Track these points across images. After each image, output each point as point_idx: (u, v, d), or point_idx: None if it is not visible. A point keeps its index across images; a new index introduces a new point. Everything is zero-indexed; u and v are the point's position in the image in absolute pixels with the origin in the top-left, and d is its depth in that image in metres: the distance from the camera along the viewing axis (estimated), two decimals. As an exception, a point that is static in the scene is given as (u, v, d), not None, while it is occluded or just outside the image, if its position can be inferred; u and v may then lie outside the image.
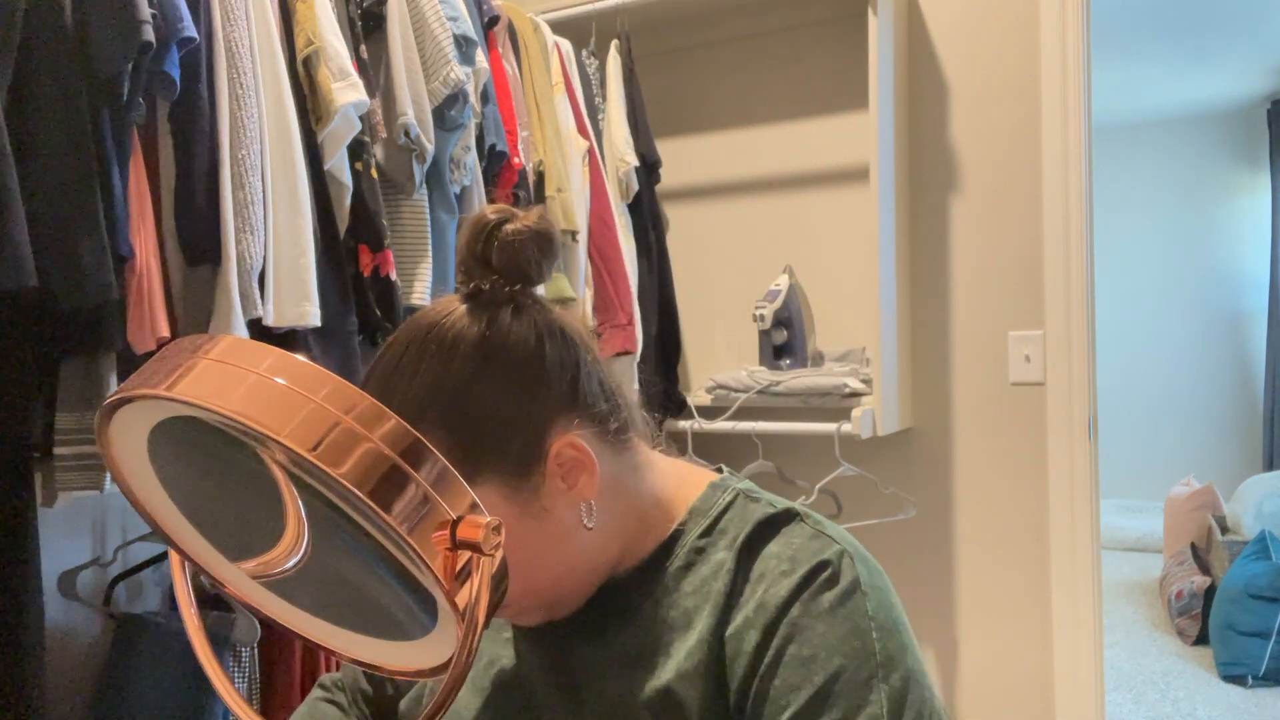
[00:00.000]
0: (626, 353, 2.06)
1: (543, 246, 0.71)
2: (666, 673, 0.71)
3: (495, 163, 1.83)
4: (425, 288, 1.64)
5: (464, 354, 0.68)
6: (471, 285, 0.71)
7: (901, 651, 0.68)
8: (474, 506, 0.52)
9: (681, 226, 2.49)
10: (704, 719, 0.69)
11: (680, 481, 0.79)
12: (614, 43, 2.27)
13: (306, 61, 1.48)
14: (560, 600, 0.73)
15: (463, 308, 0.70)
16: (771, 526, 0.74)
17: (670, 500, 0.77)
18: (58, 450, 1.24)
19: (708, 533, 0.75)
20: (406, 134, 1.60)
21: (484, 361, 0.68)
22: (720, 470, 0.82)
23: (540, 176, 1.95)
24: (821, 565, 0.70)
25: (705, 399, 2.27)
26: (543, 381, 0.69)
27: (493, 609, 0.53)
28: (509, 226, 0.70)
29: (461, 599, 0.51)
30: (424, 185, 1.66)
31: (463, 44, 1.69)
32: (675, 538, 0.76)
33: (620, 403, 0.75)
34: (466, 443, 0.66)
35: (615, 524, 0.74)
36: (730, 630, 0.70)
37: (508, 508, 0.68)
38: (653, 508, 0.76)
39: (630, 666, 0.73)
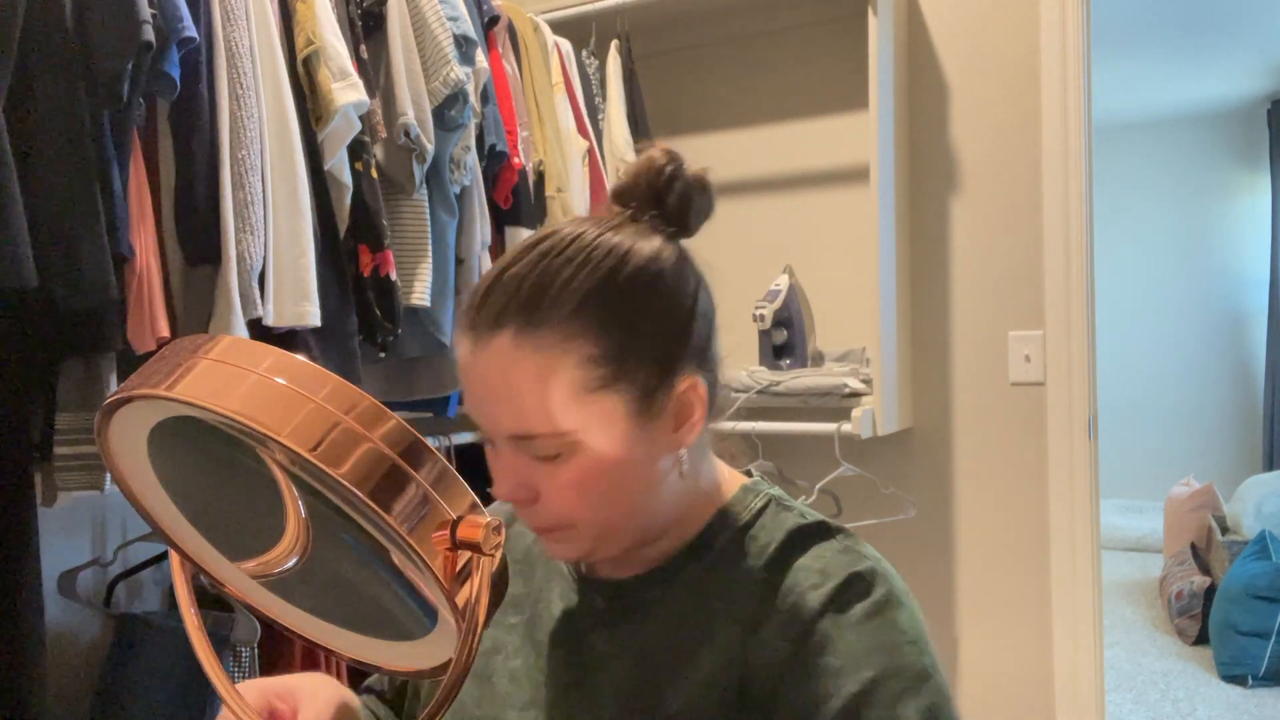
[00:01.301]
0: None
1: (706, 202, 0.74)
2: (687, 677, 0.71)
3: (495, 163, 1.83)
4: (425, 288, 1.64)
5: (635, 266, 0.69)
6: (631, 212, 0.73)
7: (933, 669, 0.69)
8: (474, 506, 0.52)
9: (681, 226, 2.49)
10: None
11: (719, 479, 0.80)
12: (614, 43, 2.27)
13: (306, 61, 1.48)
14: (610, 538, 0.72)
15: (633, 226, 0.72)
16: (803, 538, 0.74)
17: (708, 494, 0.78)
18: (58, 450, 1.24)
19: (738, 538, 0.76)
20: (406, 134, 1.60)
21: (652, 280, 0.70)
22: (749, 474, 0.82)
23: (540, 176, 1.95)
24: (855, 578, 0.70)
25: (705, 399, 2.27)
26: (691, 324, 0.71)
27: (493, 609, 0.53)
28: (688, 173, 0.73)
29: (461, 599, 0.51)
30: (424, 185, 1.66)
31: (463, 44, 1.69)
32: (704, 537, 0.76)
33: (722, 383, 0.77)
34: (614, 349, 0.67)
35: (679, 493, 0.75)
36: (757, 640, 0.70)
37: (625, 425, 0.68)
38: (698, 495, 0.77)
39: (646, 664, 0.73)
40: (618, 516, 0.71)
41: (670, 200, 0.72)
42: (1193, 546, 4.31)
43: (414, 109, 1.61)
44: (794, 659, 0.68)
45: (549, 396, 0.66)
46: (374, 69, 1.62)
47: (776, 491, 0.79)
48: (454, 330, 0.73)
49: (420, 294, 1.64)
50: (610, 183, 2.15)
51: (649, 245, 0.71)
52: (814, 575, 0.71)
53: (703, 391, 0.72)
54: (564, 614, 0.78)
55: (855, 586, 0.70)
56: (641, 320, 0.69)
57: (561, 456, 0.68)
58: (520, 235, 1.88)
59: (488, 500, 0.86)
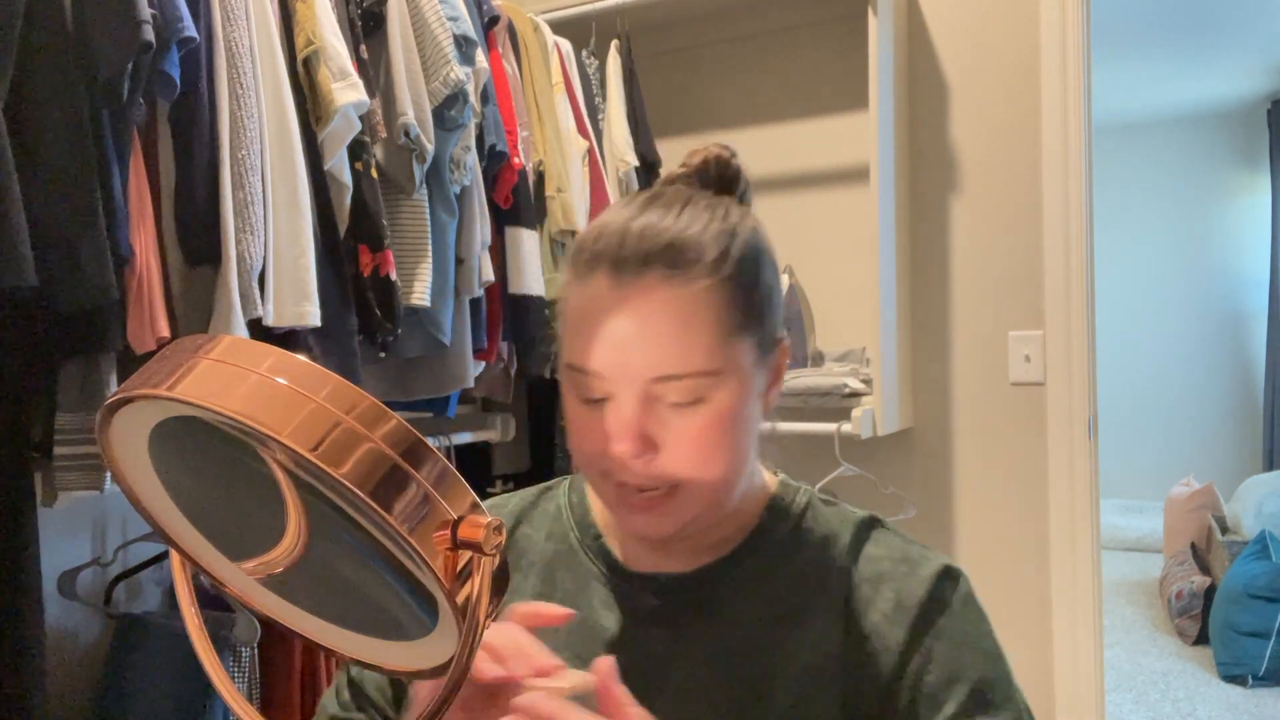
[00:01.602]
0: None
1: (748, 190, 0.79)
2: (788, 671, 0.71)
3: (495, 163, 1.83)
4: (425, 287, 1.64)
5: (754, 224, 0.73)
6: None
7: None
8: (474, 506, 0.52)
9: (681, 226, 2.49)
10: (832, 715, 0.71)
11: (762, 473, 0.81)
12: (614, 43, 2.27)
13: (306, 61, 1.48)
14: (708, 506, 0.72)
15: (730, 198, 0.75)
16: (864, 529, 0.78)
17: (758, 486, 0.79)
18: (58, 450, 1.24)
19: (794, 531, 0.78)
20: (406, 134, 1.60)
21: (765, 244, 0.74)
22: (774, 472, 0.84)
23: (540, 176, 1.95)
24: (946, 569, 0.75)
25: (705, 399, 2.27)
26: (780, 292, 0.75)
27: (493, 609, 0.53)
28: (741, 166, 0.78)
29: (462, 599, 0.51)
30: (424, 185, 1.66)
31: (463, 44, 1.69)
32: (760, 530, 0.77)
33: None
34: (747, 297, 0.70)
35: (745, 477, 0.75)
36: (863, 628, 0.73)
37: (751, 372, 0.70)
38: (751, 486, 0.78)
39: (729, 662, 0.72)
40: (725, 478, 0.71)
41: (739, 189, 0.77)
42: (1193, 546, 4.31)
43: (414, 109, 1.61)
44: (913, 646, 0.72)
45: (700, 334, 0.67)
46: (374, 69, 1.62)
47: (810, 487, 0.82)
48: (578, 270, 0.71)
49: (420, 294, 1.64)
50: (610, 183, 2.15)
51: (750, 217, 0.75)
52: (900, 564, 0.75)
53: (788, 348, 0.75)
54: (609, 616, 0.76)
55: (949, 576, 0.75)
56: (763, 272, 0.72)
57: (697, 402, 0.68)
58: (520, 235, 1.88)
59: (487, 500, 0.85)
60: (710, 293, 0.68)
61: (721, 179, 0.76)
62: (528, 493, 0.89)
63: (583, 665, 0.74)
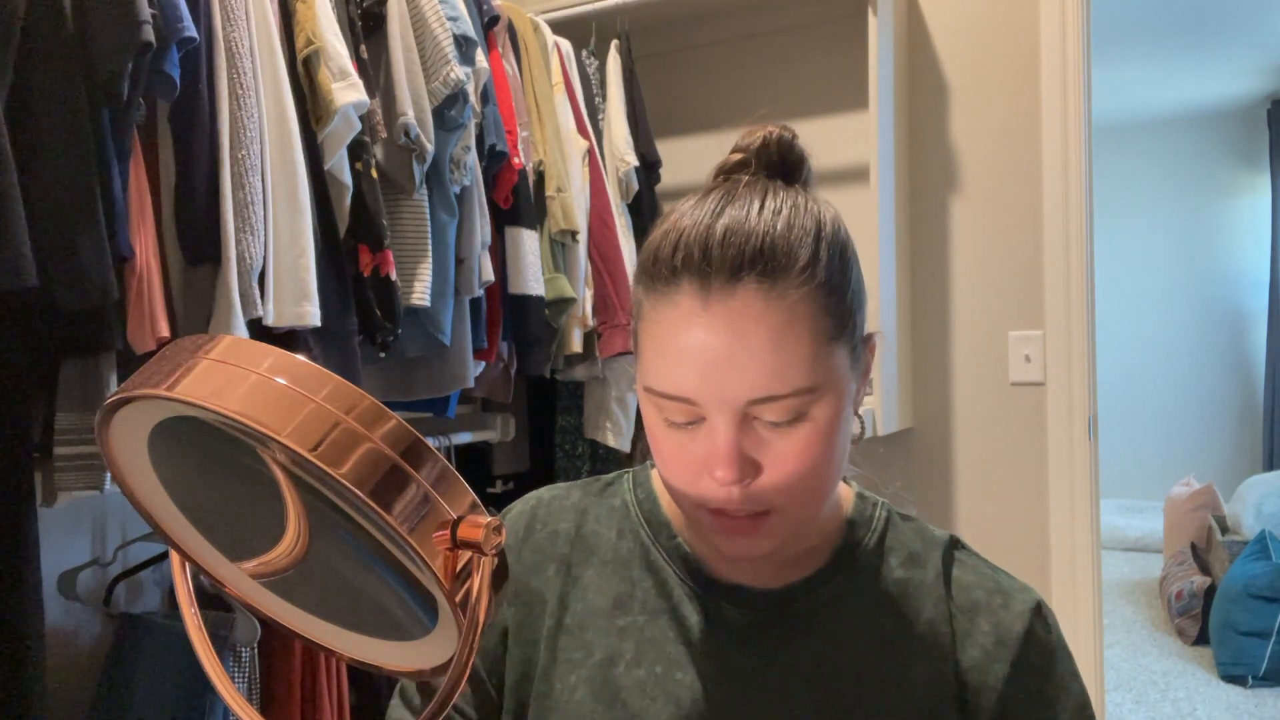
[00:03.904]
0: (626, 353, 2.06)
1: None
2: (890, 697, 0.70)
3: (495, 163, 1.83)
4: (425, 288, 1.64)
5: (834, 216, 0.69)
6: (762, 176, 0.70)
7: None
8: (474, 506, 0.51)
9: (681, 226, 2.49)
10: None
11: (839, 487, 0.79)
12: (614, 43, 2.27)
13: (306, 61, 1.48)
14: (803, 524, 0.69)
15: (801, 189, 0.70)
16: (950, 551, 0.76)
17: (836, 501, 0.77)
18: (58, 450, 1.24)
19: (877, 549, 0.75)
20: (406, 134, 1.60)
21: (849, 238, 0.69)
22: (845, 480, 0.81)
23: (540, 176, 1.95)
24: (1038, 604, 0.74)
25: (705, 399, 2.27)
26: (864, 287, 0.71)
27: (493, 609, 0.53)
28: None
29: (462, 599, 0.51)
30: (424, 185, 1.66)
31: (463, 44, 1.69)
32: (844, 547, 0.75)
33: None
34: (839, 299, 0.65)
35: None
36: (968, 663, 0.71)
37: (849, 377, 0.67)
38: (830, 500, 0.74)
39: (819, 684, 0.70)
40: (826, 492, 0.68)
41: (802, 175, 0.71)
42: (1193, 546, 4.31)
43: (414, 109, 1.61)
44: (1015, 683, 0.71)
45: (798, 349, 0.62)
46: (374, 69, 1.62)
47: (883, 499, 0.80)
48: (657, 283, 0.65)
49: (420, 294, 1.64)
50: (610, 183, 2.15)
51: (831, 209, 0.70)
52: (994, 595, 0.74)
53: (875, 346, 0.72)
54: (693, 621, 0.73)
55: (1042, 615, 0.74)
56: (852, 271, 0.68)
57: (798, 419, 0.64)
58: (520, 235, 1.88)
59: (487, 500, 0.85)
60: (805, 302, 0.63)
61: (785, 163, 0.70)
62: (589, 486, 0.84)
63: (662, 661, 0.73)
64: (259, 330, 1.38)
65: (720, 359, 0.62)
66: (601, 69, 2.26)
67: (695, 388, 0.63)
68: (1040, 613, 0.73)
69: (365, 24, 1.62)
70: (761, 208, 0.65)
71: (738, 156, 0.71)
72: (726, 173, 0.71)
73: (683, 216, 0.66)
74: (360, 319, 1.55)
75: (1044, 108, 2.13)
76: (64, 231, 1.17)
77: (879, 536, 0.76)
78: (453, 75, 1.65)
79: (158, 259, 1.29)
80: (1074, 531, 2.11)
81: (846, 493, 0.79)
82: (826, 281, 0.64)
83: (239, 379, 0.48)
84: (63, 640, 1.72)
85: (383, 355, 1.64)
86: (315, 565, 0.57)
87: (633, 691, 0.72)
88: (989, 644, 0.71)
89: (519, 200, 1.88)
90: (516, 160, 1.87)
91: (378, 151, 1.61)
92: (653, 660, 0.73)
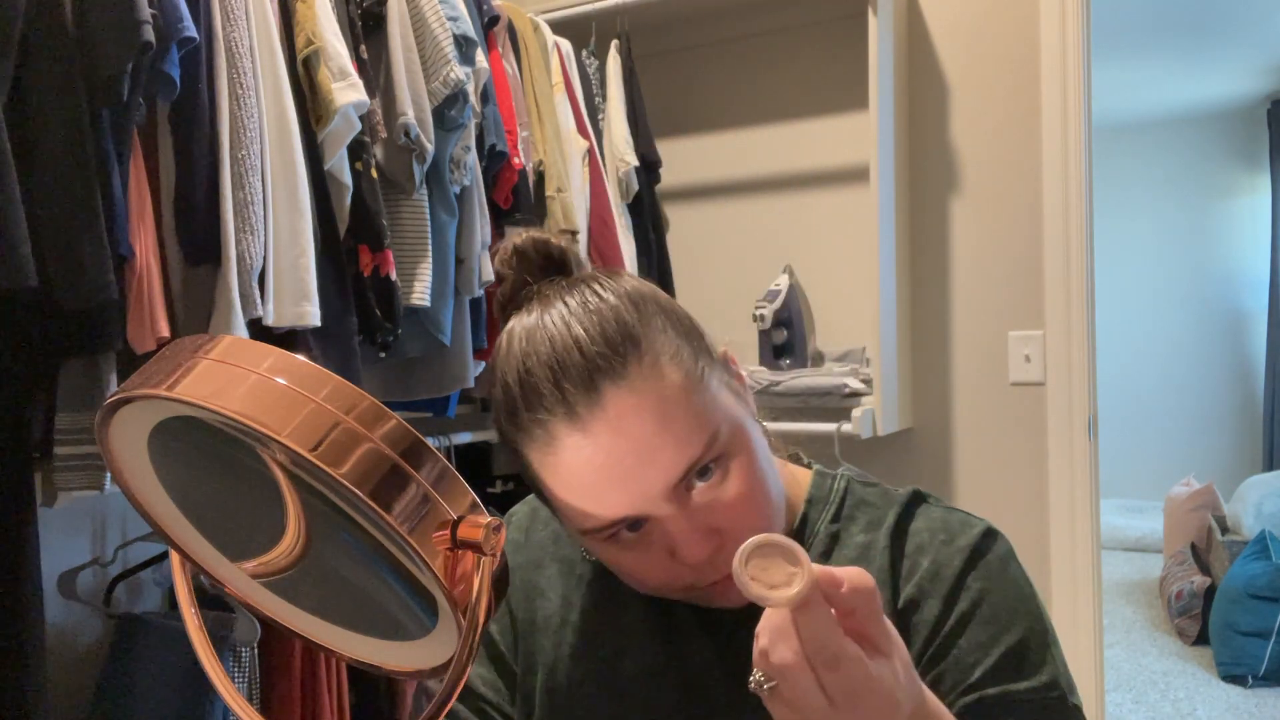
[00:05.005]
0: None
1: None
2: None
3: (495, 163, 1.83)
4: (425, 288, 1.64)
5: (628, 285, 0.70)
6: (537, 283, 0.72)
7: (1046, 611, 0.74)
8: (474, 506, 0.51)
9: (681, 226, 2.49)
10: None
11: (788, 471, 0.80)
12: (614, 43, 2.27)
13: (306, 61, 1.48)
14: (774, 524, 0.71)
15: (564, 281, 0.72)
16: (909, 506, 0.77)
17: (791, 485, 0.79)
18: (58, 450, 1.24)
19: (835, 519, 0.77)
20: (406, 134, 1.60)
21: (643, 291, 0.70)
22: (799, 458, 0.83)
23: (540, 176, 1.95)
24: (986, 533, 0.74)
25: (705, 399, 2.26)
26: (684, 311, 0.73)
27: (493, 609, 0.53)
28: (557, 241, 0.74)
29: (462, 599, 0.51)
30: (424, 185, 1.66)
31: (463, 44, 1.69)
32: (802, 526, 0.77)
33: None
34: (684, 350, 0.67)
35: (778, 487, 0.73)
36: (903, 603, 0.73)
37: (729, 396, 0.69)
38: (784, 490, 0.76)
39: None
40: (775, 503, 0.70)
41: (570, 262, 0.73)
42: (1193, 546, 4.31)
43: (414, 109, 1.61)
44: (947, 614, 0.71)
45: (683, 408, 0.64)
46: (374, 69, 1.62)
47: (849, 470, 0.81)
48: (528, 437, 0.67)
49: (420, 294, 1.64)
50: (610, 183, 2.15)
51: (626, 282, 0.72)
52: (939, 534, 0.74)
53: (732, 356, 0.74)
54: (684, 613, 0.76)
55: (987, 542, 0.74)
56: (669, 315, 0.69)
57: (721, 459, 0.66)
58: (520, 234, 1.87)
59: (487, 500, 0.85)
60: (658, 371, 0.64)
61: (550, 260, 0.73)
62: None
63: (666, 657, 0.75)
64: (259, 330, 1.38)
65: (628, 464, 0.63)
66: (601, 69, 2.26)
67: (625, 502, 0.64)
68: (982, 541, 0.74)
69: (365, 24, 1.62)
70: (567, 314, 0.67)
71: (510, 275, 0.73)
72: (507, 299, 0.73)
73: (507, 371, 0.68)
74: (360, 319, 1.55)
75: (1044, 108, 2.13)
76: (64, 231, 1.17)
77: (836, 508, 0.78)
78: (453, 75, 1.65)
79: (158, 259, 1.29)
80: (1074, 531, 2.11)
81: (803, 475, 0.81)
82: (663, 344, 0.66)
83: (239, 379, 0.48)
84: (63, 640, 1.72)
85: (383, 355, 1.64)
86: (315, 565, 0.57)
87: (637, 683, 0.75)
88: (925, 580, 0.72)
89: (519, 200, 1.88)
90: (516, 160, 1.87)
91: (378, 151, 1.61)
92: (654, 652, 0.76)
